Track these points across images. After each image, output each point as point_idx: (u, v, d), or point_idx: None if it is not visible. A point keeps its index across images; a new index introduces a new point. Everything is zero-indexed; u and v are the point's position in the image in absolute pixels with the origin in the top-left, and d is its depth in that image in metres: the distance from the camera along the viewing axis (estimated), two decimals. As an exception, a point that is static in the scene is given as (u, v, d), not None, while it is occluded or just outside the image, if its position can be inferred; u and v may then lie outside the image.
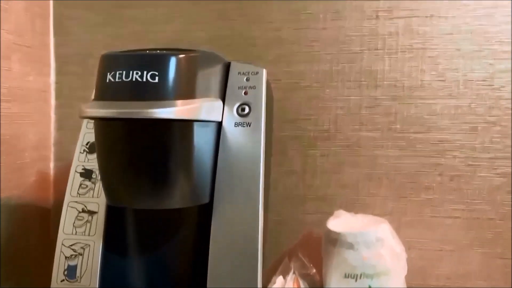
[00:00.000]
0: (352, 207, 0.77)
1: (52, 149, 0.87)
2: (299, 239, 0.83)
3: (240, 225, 0.51)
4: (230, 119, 0.53)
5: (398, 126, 0.80)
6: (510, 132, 0.77)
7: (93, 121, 0.57)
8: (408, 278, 0.75)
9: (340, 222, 0.71)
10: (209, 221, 0.51)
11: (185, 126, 0.46)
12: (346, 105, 0.81)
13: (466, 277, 0.78)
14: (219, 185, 0.51)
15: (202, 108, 0.46)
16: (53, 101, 0.88)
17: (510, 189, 0.77)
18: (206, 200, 0.50)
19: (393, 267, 0.65)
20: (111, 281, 0.53)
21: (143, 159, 0.46)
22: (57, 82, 0.88)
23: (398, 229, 0.76)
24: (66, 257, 0.53)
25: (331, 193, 0.82)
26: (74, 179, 0.56)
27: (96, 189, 0.54)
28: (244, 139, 0.52)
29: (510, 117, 0.77)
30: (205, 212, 0.51)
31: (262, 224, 0.51)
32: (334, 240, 0.68)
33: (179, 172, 0.46)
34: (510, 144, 0.77)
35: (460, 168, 0.78)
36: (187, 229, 0.55)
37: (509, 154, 0.77)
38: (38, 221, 0.83)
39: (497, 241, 0.77)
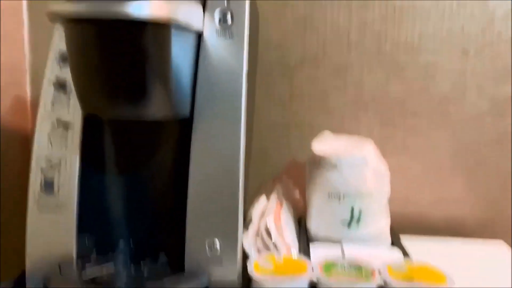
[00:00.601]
0: (339, 133, 0.76)
1: (28, 72, 0.83)
2: (284, 166, 0.82)
3: (221, 140, 0.49)
4: (211, 28, 0.50)
5: (387, 49, 0.77)
6: (501, 55, 0.75)
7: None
8: (391, 204, 0.76)
9: (325, 144, 0.70)
10: (190, 137, 0.49)
11: (162, 28, 0.43)
12: (336, 28, 0.78)
13: (449, 203, 0.79)
14: (200, 99, 0.49)
15: (179, 8, 0.43)
16: (26, 22, 0.83)
17: (497, 113, 0.77)
18: (186, 114, 0.48)
19: (376, 189, 0.65)
20: (89, 194, 0.52)
21: (118, 64, 0.43)
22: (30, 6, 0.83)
23: (383, 155, 0.75)
24: (42, 171, 0.52)
25: (317, 120, 0.81)
26: (48, 92, 0.53)
27: (72, 101, 0.52)
28: (227, 50, 0.49)
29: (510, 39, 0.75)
30: (186, 128, 0.50)
31: (245, 139, 0.49)
32: (318, 161, 0.67)
33: (155, 80, 0.44)
34: (500, 66, 0.75)
35: (449, 93, 0.77)
36: (167, 145, 0.54)
37: (499, 78, 0.76)
38: (18, 146, 0.81)
39: (480, 167, 0.78)
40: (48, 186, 0.51)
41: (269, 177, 0.81)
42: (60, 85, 0.53)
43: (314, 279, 0.47)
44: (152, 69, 0.44)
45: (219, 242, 0.49)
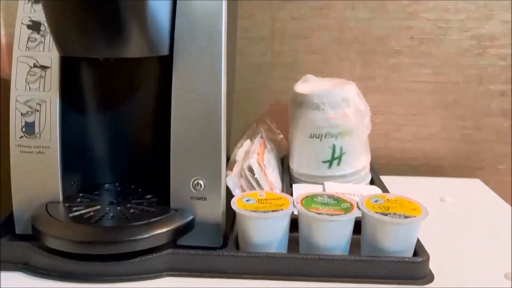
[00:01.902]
0: (321, 73, 0.76)
1: (1, 14, 0.80)
2: (267, 107, 0.82)
3: (202, 78, 0.48)
4: (188, -37, 0.48)
5: (370, -13, 0.76)
6: (485, -9, 0.74)
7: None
8: (372, 141, 0.78)
9: (307, 86, 0.70)
10: (171, 75, 0.48)
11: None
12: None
13: (428, 139, 0.81)
14: (179, 36, 0.48)
15: None
16: (-7, -41, 0.79)
17: (478, 52, 0.77)
18: (165, 51, 0.47)
19: (356, 127, 0.66)
20: (71, 136, 0.51)
21: (92, 2, 0.41)
22: None
23: (365, 94, 0.76)
24: (22, 114, 0.51)
25: (300, 59, 0.80)
26: (22, 33, 0.51)
27: (47, 42, 0.50)
28: (204, -15, 0.48)
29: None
30: (166, 66, 0.49)
31: (226, 77, 0.49)
32: (300, 102, 0.67)
33: (130, 16, 0.42)
34: (483, 3, 0.75)
35: (431, 31, 0.77)
36: (148, 83, 0.53)
37: (481, 15, 0.75)
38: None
39: (459, 103, 0.79)
40: (29, 128, 0.51)
41: (252, 118, 0.81)
42: (34, 26, 0.51)
43: (295, 212, 0.48)
44: (128, 6, 0.43)
45: (203, 180, 0.49)
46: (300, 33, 0.79)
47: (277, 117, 0.79)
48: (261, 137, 0.73)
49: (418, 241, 0.48)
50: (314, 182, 0.67)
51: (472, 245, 0.55)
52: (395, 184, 0.68)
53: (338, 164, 0.67)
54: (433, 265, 0.48)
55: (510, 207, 0.66)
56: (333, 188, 0.63)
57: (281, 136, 0.78)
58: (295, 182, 0.69)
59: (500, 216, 0.63)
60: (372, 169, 0.72)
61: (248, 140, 0.71)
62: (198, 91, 0.49)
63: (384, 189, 0.66)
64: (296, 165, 0.70)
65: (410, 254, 0.47)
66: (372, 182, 0.70)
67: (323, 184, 0.65)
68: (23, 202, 0.52)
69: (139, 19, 0.44)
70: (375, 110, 0.79)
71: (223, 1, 0.49)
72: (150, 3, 0.44)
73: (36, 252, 0.48)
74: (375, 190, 0.65)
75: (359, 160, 0.68)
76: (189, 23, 0.49)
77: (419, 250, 0.47)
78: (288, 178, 0.70)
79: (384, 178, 0.71)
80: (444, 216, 0.62)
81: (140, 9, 0.44)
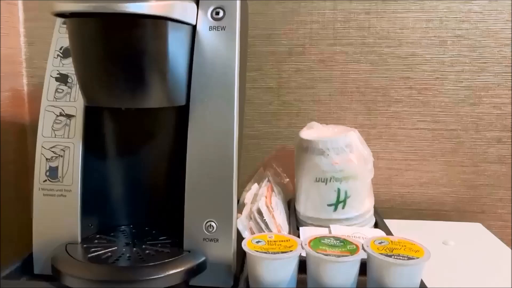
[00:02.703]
0: (325, 121, 0.80)
1: (24, 64, 0.86)
2: (273, 152, 0.86)
3: (216, 126, 0.52)
4: (204, 23, 0.53)
5: (370, 41, 0.81)
6: (477, 44, 0.79)
7: (65, 25, 0.56)
8: (375, 186, 0.81)
9: (312, 132, 0.74)
10: (187, 124, 0.52)
11: (158, 24, 0.46)
12: (321, 19, 0.81)
13: (429, 184, 0.84)
14: (195, 88, 0.52)
15: (175, 6, 0.47)
16: (21, 14, 0.85)
17: (473, 101, 0.81)
18: (182, 101, 0.52)
19: (360, 171, 0.69)
20: (92, 180, 0.55)
21: (117, 56, 0.46)
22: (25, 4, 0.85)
23: (368, 141, 0.79)
24: (47, 159, 0.55)
25: (305, 108, 0.85)
26: (50, 84, 0.56)
27: (73, 93, 0.55)
28: (219, 42, 0.53)
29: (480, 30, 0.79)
30: (183, 116, 0.53)
31: (238, 125, 0.53)
32: (305, 147, 0.71)
33: (152, 71, 0.47)
34: (477, 56, 0.80)
35: (429, 82, 0.81)
36: (165, 132, 0.57)
37: (476, 67, 0.80)
38: (14, 138, 0.84)
39: (458, 150, 0.83)
40: (53, 172, 0.54)
41: (260, 163, 0.85)
42: (62, 78, 0.55)
43: (303, 254, 0.51)
44: (150, 61, 0.47)
45: (215, 223, 0.52)
46: (305, 84, 0.84)
47: (283, 162, 0.83)
48: (268, 180, 0.76)
49: (422, 282, 0.50)
50: (320, 224, 0.69)
51: (472, 282, 0.57)
52: (398, 227, 0.71)
53: (343, 207, 0.69)
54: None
55: (510, 250, 0.68)
56: (339, 230, 0.65)
57: (287, 180, 0.81)
58: (302, 225, 0.71)
59: (501, 259, 0.65)
60: (376, 212, 0.75)
61: (256, 184, 0.74)
62: (212, 138, 0.53)
63: (388, 232, 0.68)
64: (302, 208, 0.72)
65: (414, 294, 0.49)
66: (376, 225, 0.72)
67: (329, 227, 0.67)
68: (43, 243, 0.54)
69: (160, 74, 0.49)
70: (378, 156, 0.83)
71: (236, 56, 0.53)
72: (170, 59, 0.49)
73: (54, 291, 0.50)
74: (379, 232, 0.68)
75: (363, 204, 0.70)
76: (205, 75, 0.53)
77: (423, 291, 0.49)
78: (294, 221, 0.72)
79: (388, 222, 0.73)
80: (447, 259, 0.64)
81: (161, 65, 0.48)
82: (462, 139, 0.82)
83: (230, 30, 0.54)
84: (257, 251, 0.50)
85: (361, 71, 0.82)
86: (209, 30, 0.54)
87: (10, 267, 0.54)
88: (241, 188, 0.74)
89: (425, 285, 0.50)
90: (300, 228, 0.69)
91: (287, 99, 0.84)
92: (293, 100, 0.84)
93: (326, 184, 0.69)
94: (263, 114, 0.85)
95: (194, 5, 0.53)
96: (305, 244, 0.51)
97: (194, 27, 0.53)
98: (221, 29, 0.54)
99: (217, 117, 0.53)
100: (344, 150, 0.69)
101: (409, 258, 0.48)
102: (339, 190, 0.69)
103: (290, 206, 0.78)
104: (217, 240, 0.52)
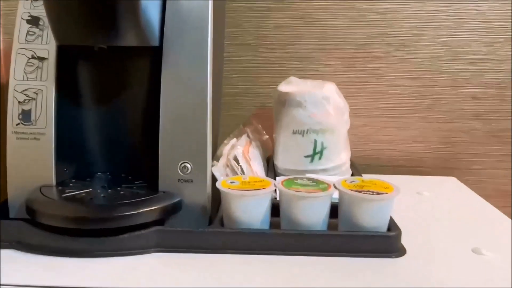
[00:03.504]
0: (305, 78, 0.80)
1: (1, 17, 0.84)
2: (254, 110, 0.86)
3: (190, 69, 0.51)
4: (178, -36, 0.53)
5: (350, -4, 0.81)
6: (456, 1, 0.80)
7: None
8: (354, 143, 0.82)
9: (290, 86, 0.74)
10: (161, 68, 0.52)
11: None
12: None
13: (406, 141, 0.85)
14: (169, 30, 0.52)
15: None
16: (-5, -30, 0.83)
17: (450, 57, 0.82)
18: (155, 42, 0.51)
19: (337, 124, 0.70)
20: (66, 124, 0.55)
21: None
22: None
23: (347, 98, 0.80)
24: (19, 102, 0.54)
25: (285, 65, 0.85)
26: (21, 27, 0.55)
27: (45, 36, 0.54)
28: (192, -16, 0.53)
29: (456, -14, 0.80)
30: (157, 61, 0.53)
31: (211, 67, 0.53)
32: (283, 100, 0.71)
33: (124, 7, 0.46)
34: (453, 12, 0.80)
35: (406, 38, 0.82)
36: (140, 77, 0.56)
37: (452, 23, 0.81)
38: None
39: (435, 106, 0.84)
40: (26, 116, 0.54)
41: (240, 121, 0.85)
42: (34, 20, 0.55)
43: (276, 192, 0.51)
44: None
45: (190, 164, 0.53)
46: (285, 40, 0.83)
47: (263, 119, 0.83)
48: (247, 136, 0.76)
49: (392, 218, 0.52)
50: (297, 176, 0.70)
51: (443, 225, 0.58)
52: (375, 180, 0.72)
53: (320, 158, 0.70)
54: (406, 242, 0.51)
55: (480, 198, 0.70)
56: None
57: (267, 136, 0.81)
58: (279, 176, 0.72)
59: (471, 205, 0.67)
60: (353, 166, 0.76)
61: (235, 139, 0.74)
62: (186, 81, 0.53)
63: (364, 182, 0.69)
64: (280, 161, 0.73)
65: (384, 229, 0.50)
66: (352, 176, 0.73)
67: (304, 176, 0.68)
68: (17, 187, 0.54)
69: (132, 11, 0.48)
70: (356, 113, 0.84)
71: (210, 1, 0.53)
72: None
73: (30, 230, 0.50)
74: (355, 182, 0.69)
75: (340, 156, 0.71)
76: (178, 17, 0.53)
77: (392, 226, 0.51)
78: (272, 174, 0.73)
79: (365, 176, 0.74)
80: (419, 205, 0.66)
81: (134, 2, 0.48)
82: (439, 95, 0.83)
83: (205, -29, 0.53)
84: (231, 189, 0.50)
85: (340, 27, 0.82)
86: (183, -29, 0.53)
87: (-17, 212, 0.54)
88: (221, 143, 0.74)
89: (394, 221, 0.52)
90: (277, 178, 0.69)
91: (266, 56, 0.84)
92: (273, 57, 0.84)
93: (303, 136, 0.70)
94: (242, 71, 0.85)
95: None
96: (278, 183, 0.52)
97: (168, -31, 0.53)
98: (195, -29, 0.53)
99: (190, 61, 0.53)
100: (321, 103, 0.69)
101: (378, 194, 0.49)
102: (315, 141, 0.70)
103: (269, 163, 0.78)
104: (192, 181, 0.53)
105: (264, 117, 0.84)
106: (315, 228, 0.50)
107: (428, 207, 0.66)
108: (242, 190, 0.50)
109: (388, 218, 0.51)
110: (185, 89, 0.53)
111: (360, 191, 0.49)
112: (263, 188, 0.51)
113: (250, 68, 0.85)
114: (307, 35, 0.83)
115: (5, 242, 0.50)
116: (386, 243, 0.49)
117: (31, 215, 0.51)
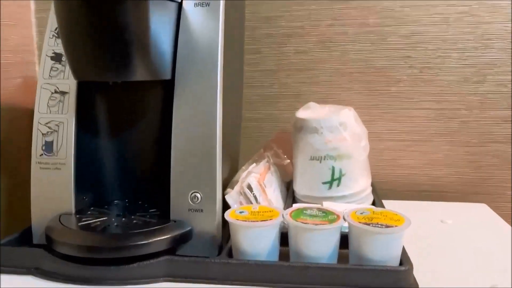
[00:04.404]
0: (326, 103, 0.80)
1: (36, 52, 0.90)
2: (274, 135, 0.87)
3: (200, 101, 0.52)
4: (190, 0, 0.54)
5: (370, 20, 0.80)
6: (481, 20, 0.77)
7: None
8: (377, 168, 0.81)
9: (308, 112, 0.74)
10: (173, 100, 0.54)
11: (139, 2, 0.48)
12: (320, 0, 0.81)
13: (431, 165, 0.83)
14: (180, 63, 0.54)
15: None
16: (32, 5, 0.89)
17: (478, 79, 0.79)
18: (167, 76, 0.53)
19: (354, 149, 0.69)
20: (84, 154, 0.57)
21: (100, 31, 0.47)
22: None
23: (369, 121, 0.79)
24: (43, 134, 0.57)
25: (305, 90, 0.85)
26: (46, 63, 0.58)
27: (67, 71, 0.57)
28: (203, 18, 0.54)
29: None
30: (170, 92, 0.54)
31: (221, 98, 0.54)
32: (300, 127, 0.71)
33: (134, 46, 0.48)
34: (481, 33, 0.78)
35: (431, 61, 0.80)
36: (154, 108, 0.59)
37: (480, 44, 0.78)
38: (26, 122, 0.88)
39: (462, 130, 0.81)
40: (48, 147, 0.57)
41: (261, 146, 0.85)
42: (57, 57, 0.58)
43: (284, 224, 0.51)
44: (132, 36, 0.49)
45: (200, 194, 0.54)
46: (305, 65, 0.84)
47: (284, 144, 0.83)
48: (267, 161, 0.76)
49: (405, 251, 0.50)
50: (315, 203, 0.69)
51: (465, 258, 0.56)
52: (397, 207, 0.69)
53: (338, 185, 0.69)
54: (421, 277, 0.49)
55: (510, 227, 0.66)
56: (331, 207, 0.65)
57: (288, 161, 0.81)
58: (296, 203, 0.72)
59: (500, 235, 0.64)
60: (375, 192, 0.74)
61: (254, 164, 0.75)
62: (196, 112, 0.54)
63: (383, 210, 0.67)
64: (298, 187, 0.73)
65: (395, 263, 0.49)
66: (373, 205, 0.72)
67: (321, 204, 0.67)
68: (40, 214, 0.57)
69: (142, 48, 0.50)
70: (380, 137, 0.83)
71: (220, 31, 0.55)
72: (152, 34, 0.51)
73: (47, 257, 0.52)
74: (373, 210, 0.67)
75: (359, 182, 0.70)
76: (190, 51, 0.54)
77: (404, 260, 0.49)
78: (291, 200, 0.73)
79: (388, 202, 0.72)
80: (441, 234, 0.63)
81: (143, 39, 0.50)
82: (467, 118, 0.80)
83: (214, 5, 0.55)
84: (238, 219, 0.51)
85: (361, 51, 0.82)
86: (194, 6, 0.55)
87: (9, 237, 0.57)
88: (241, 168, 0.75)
89: (406, 254, 0.50)
90: (293, 205, 0.69)
91: (287, 81, 0.85)
92: (293, 82, 0.85)
93: (320, 162, 0.69)
94: (263, 97, 0.86)
95: (178, -18, 0.54)
96: (286, 214, 0.52)
97: (180, 4, 0.55)
98: (206, 5, 0.55)
99: (200, 92, 0.54)
100: (337, 128, 0.69)
101: (387, 226, 0.48)
102: (333, 168, 0.69)
103: (290, 188, 0.78)
104: (202, 211, 0.54)
105: (285, 141, 0.84)
106: (323, 260, 0.49)
107: (450, 236, 0.63)
108: (248, 221, 0.50)
109: (399, 251, 0.49)
110: (195, 120, 0.54)
111: (369, 224, 0.48)
112: (270, 219, 0.51)
113: (271, 93, 0.86)
114: (327, 59, 0.83)
115: (24, 268, 0.53)
116: (396, 278, 0.47)
117: (49, 243, 0.53)
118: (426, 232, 0.64)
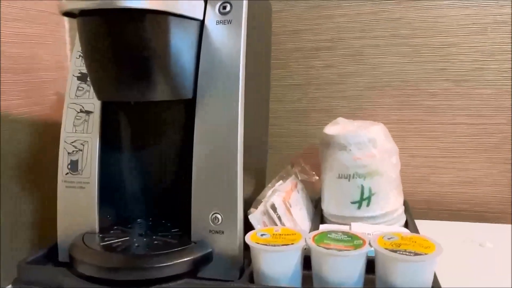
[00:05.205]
0: (355, 118, 0.77)
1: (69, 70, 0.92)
2: (302, 151, 0.85)
3: (221, 120, 0.51)
4: (212, 18, 0.54)
5: (402, 32, 0.77)
6: (521, 31, 0.73)
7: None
8: (411, 185, 0.77)
9: (336, 128, 0.71)
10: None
11: (159, 19, 0.47)
12: (348, 12, 0.79)
13: (469, 183, 0.78)
14: (202, 81, 0.53)
15: (177, 2, 0.48)
16: (66, 24, 0.91)
17: (519, 92, 0.75)
18: (188, 95, 0.53)
19: (384, 167, 0.66)
20: (108, 173, 0.58)
21: (120, 51, 0.48)
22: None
23: (403, 137, 0.76)
24: (68, 153, 0.58)
25: (334, 105, 0.82)
26: (72, 83, 0.59)
27: (91, 91, 0.58)
28: (225, 36, 0.53)
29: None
30: (192, 110, 0.54)
31: (243, 118, 0.53)
32: (328, 143, 0.69)
33: (155, 65, 0.48)
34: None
35: (467, 73, 0.76)
36: (176, 126, 0.59)
37: (519, 54, 0.74)
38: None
39: (502, 146, 0.76)
40: (73, 165, 0.58)
41: (288, 162, 0.84)
42: (83, 77, 0.59)
43: (307, 248, 0.49)
44: (152, 56, 0.49)
45: (221, 215, 0.52)
46: (334, 79, 0.81)
47: (312, 160, 0.81)
48: (294, 178, 0.74)
49: (436, 278, 0.47)
50: (344, 223, 0.67)
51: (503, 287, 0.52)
52: (432, 228, 0.66)
53: (368, 205, 0.66)
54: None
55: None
56: (359, 228, 0.62)
57: (316, 178, 0.79)
58: (325, 223, 0.69)
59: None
60: (408, 212, 0.71)
61: (281, 181, 0.73)
62: (217, 130, 0.53)
63: (415, 232, 0.64)
64: (326, 206, 0.70)
65: (425, 294, 0.46)
66: (406, 226, 0.68)
67: (350, 225, 0.65)
68: (66, 232, 0.58)
69: (163, 68, 0.50)
70: (413, 154, 0.79)
71: (241, 49, 0.54)
72: (173, 53, 0.50)
73: (68, 276, 0.52)
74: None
75: (390, 201, 0.67)
76: (211, 69, 0.54)
77: (435, 290, 0.46)
78: (318, 219, 0.71)
79: (421, 222, 0.69)
80: (479, 259, 0.59)
81: (164, 59, 0.50)
82: (507, 133, 0.75)
83: (236, 23, 0.54)
84: (258, 243, 0.49)
85: (392, 64, 0.79)
86: (216, 24, 0.54)
87: (36, 254, 0.58)
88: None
89: (438, 283, 0.47)
90: (320, 226, 0.67)
91: (315, 95, 0.83)
92: (322, 96, 0.83)
93: (349, 180, 0.67)
94: (291, 112, 0.84)
95: (202, 1, 0.54)
96: (309, 238, 0.49)
97: (202, 22, 0.54)
98: (228, 23, 0.54)
99: (222, 111, 0.53)
100: (366, 145, 0.66)
101: (416, 254, 0.45)
102: (362, 186, 0.66)
103: (318, 205, 0.76)
104: (223, 232, 0.52)
105: (313, 157, 0.82)
106: (347, 286, 0.47)
107: (490, 262, 0.59)
108: (269, 245, 0.48)
109: (430, 281, 0.46)
110: (216, 139, 0.53)
111: (396, 251, 0.45)
112: (292, 243, 0.49)
113: (299, 108, 0.84)
114: (357, 73, 0.80)
115: (48, 286, 0.53)
116: (425, 310, 0.44)
117: (72, 262, 0.53)
118: (463, 257, 0.60)
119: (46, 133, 0.84)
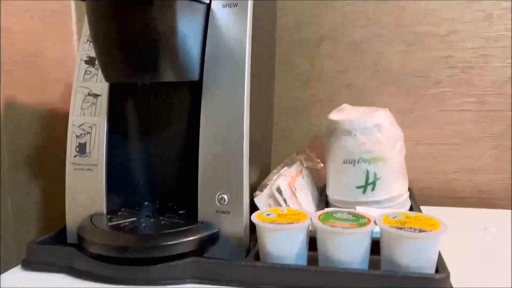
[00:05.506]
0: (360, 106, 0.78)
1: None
2: (307, 141, 0.85)
3: (227, 102, 0.52)
4: (218, 0, 0.54)
5: (406, 20, 0.78)
6: (526, 17, 0.73)
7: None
8: (417, 173, 0.77)
9: (341, 114, 0.72)
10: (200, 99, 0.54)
11: (167, 1, 0.48)
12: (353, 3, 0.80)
13: (474, 170, 0.78)
14: (208, 64, 0.54)
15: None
16: (73, 17, 0.92)
17: (524, 78, 0.75)
18: (194, 77, 0.53)
19: (390, 153, 0.66)
20: (116, 155, 0.58)
21: (128, 33, 0.48)
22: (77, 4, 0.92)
23: (407, 126, 0.76)
24: (76, 136, 0.59)
25: (339, 94, 0.83)
26: (80, 67, 0.60)
27: (99, 74, 0.58)
28: (231, 18, 0.54)
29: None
30: (198, 93, 0.54)
31: (248, 98, 0.53)
32: (333, 129, 0.69)
33: (162, 47, 0.49)
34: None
35: (472, 60, 0.76)
36: (181, 108, 0.59)
37: (524, 41, 0.74)
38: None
39: (507, 132, 0.76)
40: (81, 148, 0.58)
41: (293, 151, 0.84)
42: (91, 61, 0.60)
43: (311, 227, 0.50)
44: (159, 37, 0.49)
45: (227, 195, 0.53)
46: (337, 69, 0.82)
47: (317, 148, 0.81)
48: (299, 165, 0.75)
49: (441, 258, 0.47)
50: (348, 208, 0.67)
51: (505, 268, 0.52)
52: (437, 214, 0.66)
53: (373, 189, 0.66)
54: (458, 285, 0.46)
55: None
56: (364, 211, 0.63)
57: (321, 165, 0.79)
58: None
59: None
60: (413, 198, 0.71)
61: (286, 167, 0.73)
62: (223, 113, 0.53)
63: (420, 216, 0.64)
64: (331, 191, 0.71)
65: (431, 270, 0.46)
66: (410, 210, 0.69)
67: (354, 208, 0.65)
68: (74, 214, 0.58)
69: (170, 49, 0.50)
70: (418, 142, 0.79)
71: (247, 31, 0.54)
72: (180, 36, 0.51)
73: (78, 256, 0.53)
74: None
75: (394, 187, 0.67)
76: (217, 51, 0.54)
77: (440, 267, 0.46)
78: (323, 205, 0.71)
79: (426, 208, 0.69)
80: (482, 242, 0.59)
81: (171, 41, 0.50)
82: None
83: (242, 5, 0.54)
84: (264, 222, 0.50)
85: (396, 52, 0.79)
86: (222, 7, 0.55)
87: (45, 236, 0.59)
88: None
89: (443, 260, 0.47)
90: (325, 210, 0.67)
91: (320, 85, 0.83)
92: (326, 86, 0.83)
93: (354, 165, 0.67)
94: (296, 101, 0.85)
95: (207, -17, 0.54)
96: (314, 217, 0.50)
97: (209, 6, 0.55)
98: (234, 6, 0.55)
99: (228, 92, 0.54)
100: (372, 131, 0.66)
101: (421, 231, 0.45)
102: (367, 171, 0.66)
103: (323, 192, 0.76)
104: (229, 213, 0.53)
105: (319, 146, 0.82)
106: (352, 265, 0.47)
107: (493, 245, 0.59)
108: (274, 224, 0.49)
109: (435, 258, 0.46)
110: (222, 121, 0.53)
111: (401, 228, 0.46)
112: (297, 222, 0.49)
113: (304, 97, 0.84)
114: (361, 63, 0.81)
115: (56, 266, 0.54)
116: (431, 286, 0.45)
117: (80, 242, 0.54)
118: (466, 239, 0.60)
119: (55, 120, 0.85)
